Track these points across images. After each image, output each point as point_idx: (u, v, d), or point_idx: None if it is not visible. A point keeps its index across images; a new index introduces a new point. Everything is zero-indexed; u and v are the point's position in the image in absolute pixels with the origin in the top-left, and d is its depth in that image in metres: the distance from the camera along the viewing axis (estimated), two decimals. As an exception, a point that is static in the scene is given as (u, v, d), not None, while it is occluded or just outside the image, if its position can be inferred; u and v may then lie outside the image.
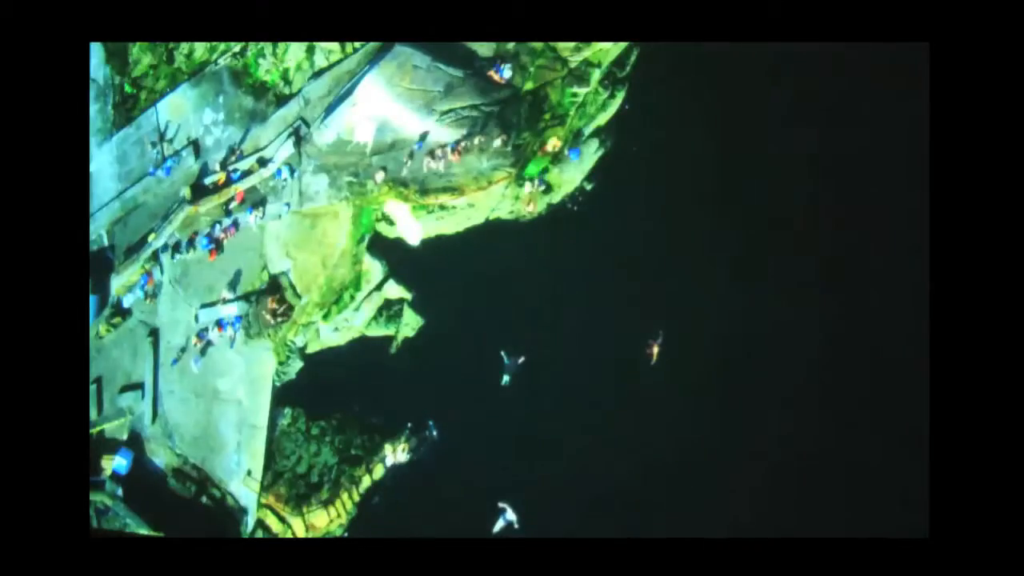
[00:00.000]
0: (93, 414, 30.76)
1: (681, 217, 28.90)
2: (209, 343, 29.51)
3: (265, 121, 30.34)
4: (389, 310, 30.31)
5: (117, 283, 31.86)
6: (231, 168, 30.37)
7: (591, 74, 28.11)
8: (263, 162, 29.77)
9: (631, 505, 26.57)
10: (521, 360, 27.77)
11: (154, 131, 32.24)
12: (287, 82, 30.64)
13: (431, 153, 26.91)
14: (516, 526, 26.56)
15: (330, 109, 28.74)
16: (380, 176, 27.57)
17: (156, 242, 31.04)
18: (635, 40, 27.80)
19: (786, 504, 25.52)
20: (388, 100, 27.64)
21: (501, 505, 26.68)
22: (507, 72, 27.47)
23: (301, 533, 28.69)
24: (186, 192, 30.60)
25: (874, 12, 18.72)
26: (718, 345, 27.62)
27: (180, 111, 32.04)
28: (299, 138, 29.31)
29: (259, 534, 28.65)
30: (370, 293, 29.40)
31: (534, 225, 28.90)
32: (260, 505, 28.72)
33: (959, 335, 15.25)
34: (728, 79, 28.43)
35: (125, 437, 30.40)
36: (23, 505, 15.07)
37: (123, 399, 30.80)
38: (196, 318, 29.99)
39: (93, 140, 33.52)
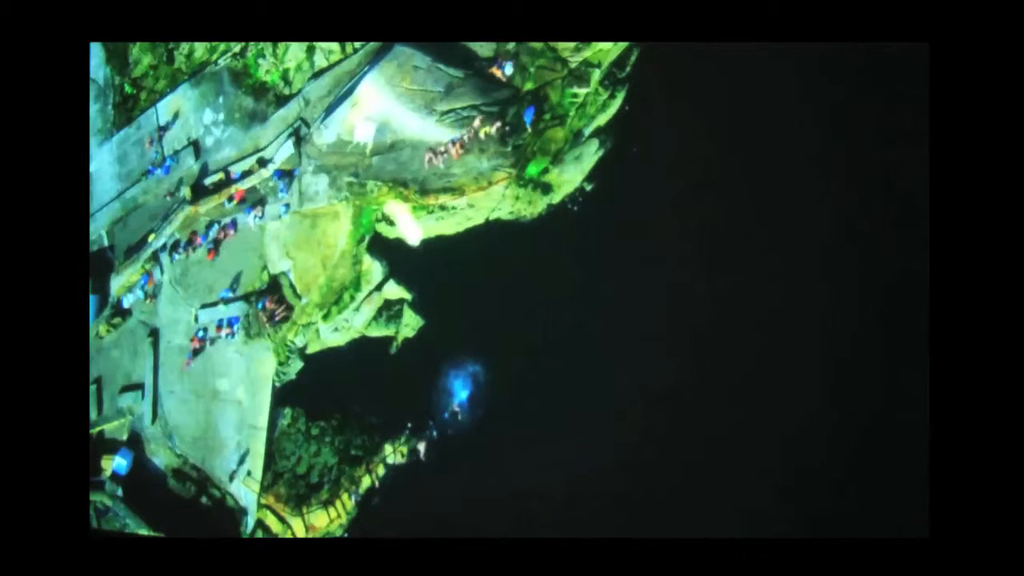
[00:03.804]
0: (93, 414, 30.79)
1: (681, 217, 28.91)
2: (202, 347, 29.54)
3: (265, 121, 30.35)
4: (389, 310, 30.31)
5: (117, 283, 31.87)
6: (231, 168, 30.41)
7: (591, 74, 28.08)
8: (263, 162, 29.78)
9: (631, 505, 26.58)
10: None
11: (154, 130, 32.29)
12: (287, 82, 30.63)
13: (432, 151, 26.90)
14: None
15: (330, 109, 28.73)
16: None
17: (156, 242, 31.06)
18: (635, 40, 27.78)
19: (786, 504, 25.53)
20: (388, 100, 27.64)
21: None
22: (509, 69, 27.45)
23: (301, 533, 28.69)
24: (186, 192, 30.62)
25: (874, 12, 18.72)
26: (718, 346, 27.63)
27: (180, 111, 32.06)
28: (299, 138, 29.31)
29: (259, 534, 28.65)
30: (370, 293, 29.39)
31: (534, 225, 28.90)
32: (260, 505, 28.71)
33: (959, 335, 15.26)
34: (728, 79, 28.43)
35: (125, 437, 30.42)
36: (23, 505, 15.07)
37: (123, 399, 30.82)
38: (196, 318, 30.01)
39: (93, 140, 33.57)
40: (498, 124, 26.40)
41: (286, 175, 29.17)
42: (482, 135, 26.42)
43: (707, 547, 15.11)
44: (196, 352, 29.78)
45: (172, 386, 30.23)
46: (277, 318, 28.32)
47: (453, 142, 26.58)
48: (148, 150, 32.37)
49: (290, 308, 28.59)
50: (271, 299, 28.56)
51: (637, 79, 29.49)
